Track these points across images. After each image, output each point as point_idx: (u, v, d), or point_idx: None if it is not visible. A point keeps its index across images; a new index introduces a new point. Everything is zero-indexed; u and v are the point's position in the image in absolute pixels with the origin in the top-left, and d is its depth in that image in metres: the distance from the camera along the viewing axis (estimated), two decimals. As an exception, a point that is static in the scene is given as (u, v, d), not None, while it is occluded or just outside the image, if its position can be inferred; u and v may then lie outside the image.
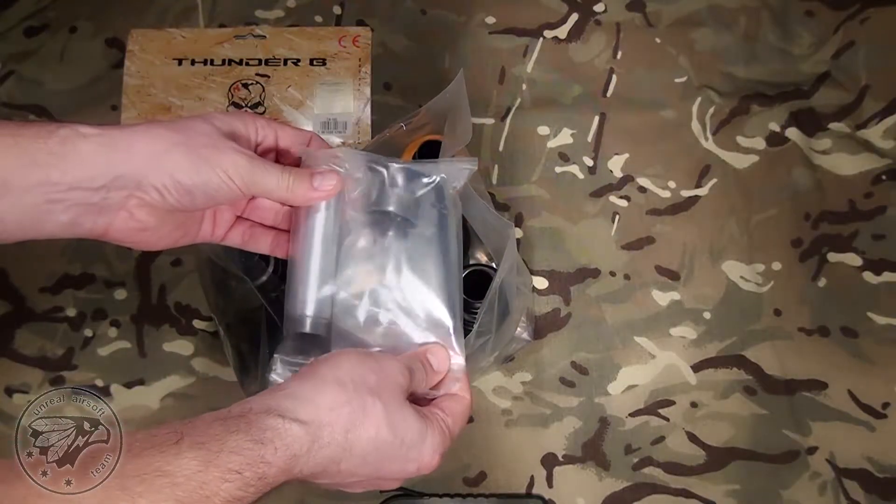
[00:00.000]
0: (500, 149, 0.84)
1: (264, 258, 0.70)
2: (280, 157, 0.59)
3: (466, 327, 0.66)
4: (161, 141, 0.52)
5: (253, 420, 0.46)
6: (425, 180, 0.60)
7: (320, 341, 0.58)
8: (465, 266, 0.72)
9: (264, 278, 0.68)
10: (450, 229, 0.60)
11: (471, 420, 0.74)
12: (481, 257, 0.77)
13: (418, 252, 0.59)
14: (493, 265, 0.71)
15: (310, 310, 0.57)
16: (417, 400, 0.56)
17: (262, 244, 0.61)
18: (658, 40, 0.88)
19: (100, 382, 0.75)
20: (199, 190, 0.52)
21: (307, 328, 0.57)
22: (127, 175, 0.50)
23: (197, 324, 0.77)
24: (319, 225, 0.58)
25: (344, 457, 0.49)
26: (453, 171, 0.61)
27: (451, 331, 0.59)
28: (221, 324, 0.71)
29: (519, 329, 0.74)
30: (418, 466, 0.53)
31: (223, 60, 0.84)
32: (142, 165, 0.50)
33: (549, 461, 0.73)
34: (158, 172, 0.51)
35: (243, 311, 0.69)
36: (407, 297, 0.59)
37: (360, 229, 0.59)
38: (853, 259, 0.80)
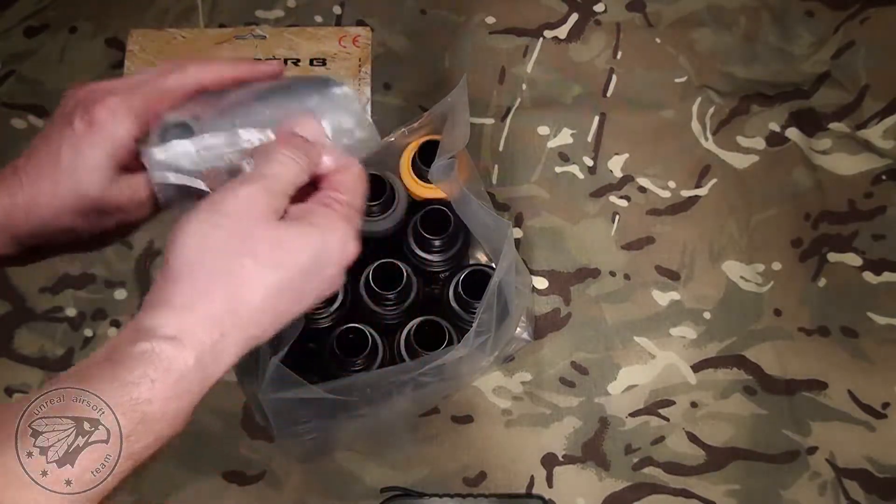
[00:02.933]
0: (500, 149, 0.84)
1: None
2: None
3: (465, 327, 0.66)
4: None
5: (117, 359, 0.41)
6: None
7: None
8: (465, 266, 0.72)
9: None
10: None
11: (471, 420, 0.74)
12: (481, 257, 0.77)
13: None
14: (493, 265, 0.71)
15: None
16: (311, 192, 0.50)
17: None
18: (658, 40, 0.88)
19: (100, 382, 0.75)
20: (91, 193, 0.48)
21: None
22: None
23: (197, 324, 0.77)
24: None
25: (251, 331, 0.44)
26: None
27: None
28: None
29: (519, 329, 0.74)
30: (338, 263, 0.47)
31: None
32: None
33: (549, 461, 0.73)
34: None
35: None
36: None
37: None
38: (853, 259, 0.80)
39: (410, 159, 0.72)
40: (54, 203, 0.48)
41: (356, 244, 0.48)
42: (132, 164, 0.50)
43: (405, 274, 0.68)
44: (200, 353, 0.42)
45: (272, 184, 0.46)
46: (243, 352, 0.45)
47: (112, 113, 0.49)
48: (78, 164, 0.48)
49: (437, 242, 0.71)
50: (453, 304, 0.70)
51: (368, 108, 0.84)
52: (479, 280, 0.68)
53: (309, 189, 0.49)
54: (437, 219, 0.70)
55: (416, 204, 0.73)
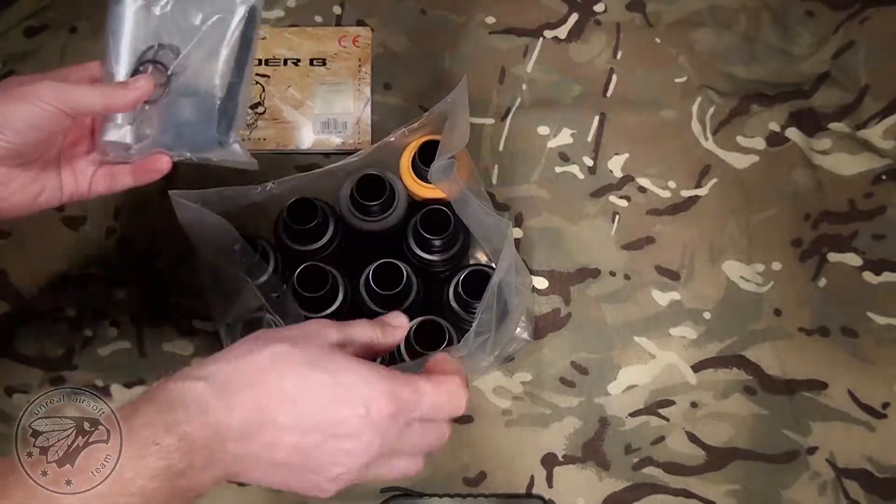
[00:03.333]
0: (500, 149, 0.84)
1: (264, 258, 0.70)
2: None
3: (465, 327, 0.66)
4: None
5: (153, 395, 0.45)
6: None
7: None
8: (465, 266, 0.72)
9: (264, 278, 0.69)
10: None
11: (471, 420, 0.74)
12: (481, 257, 0.77)
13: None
14: (493, 265, 0.71)
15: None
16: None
17: (126, 179, 0.62)
18: (658, 40, 0.88)
19: (100, 382, 0.75)
20: (21, 124, 0.54)
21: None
22: None
23: (197, 324, 0.77)
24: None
25: (267, 403, 0.46)
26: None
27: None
28: (221, 325, 0.71)
29: (519, 329, 0.74)
30: (368, 403, 0.47)
31: (223, 60, 0.84)
32: None
33: (549, 461, 0.73)
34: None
35: (243, 312, 0.69)
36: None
37: None
38: (853, 259, 0.80)
39: (410, 159, 0.72)
40: None
41: (393, 409, 0.48)
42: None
43: (405, 274, 0.68)
44: (222, 391, 0.46)
45: (346, 327, 0.53)
46: (261, 425, 0.46)
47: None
48: None
49: (437, 242, 0.71)
50: (453, 304, 0.70)
51: (368, 108, 0.84)
52: (479, 280, 0.68)
53: None
54: (437, 219, 0.69)
55: (416, 204, 0.73)
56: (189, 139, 0.62)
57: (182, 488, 0.44)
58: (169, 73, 0.62)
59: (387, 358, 0.69)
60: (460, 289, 0.68)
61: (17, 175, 0.57)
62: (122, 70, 0.61)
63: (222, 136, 0.62)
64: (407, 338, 0.68)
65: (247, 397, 0.46)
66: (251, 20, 0.62)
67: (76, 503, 0.41)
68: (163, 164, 0.61)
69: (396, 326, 0.56)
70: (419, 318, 0.68)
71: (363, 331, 0.54)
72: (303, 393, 0.46)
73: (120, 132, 0.61)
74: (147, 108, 0.62)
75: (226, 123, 0.62)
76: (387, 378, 0.48)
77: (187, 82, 0.62)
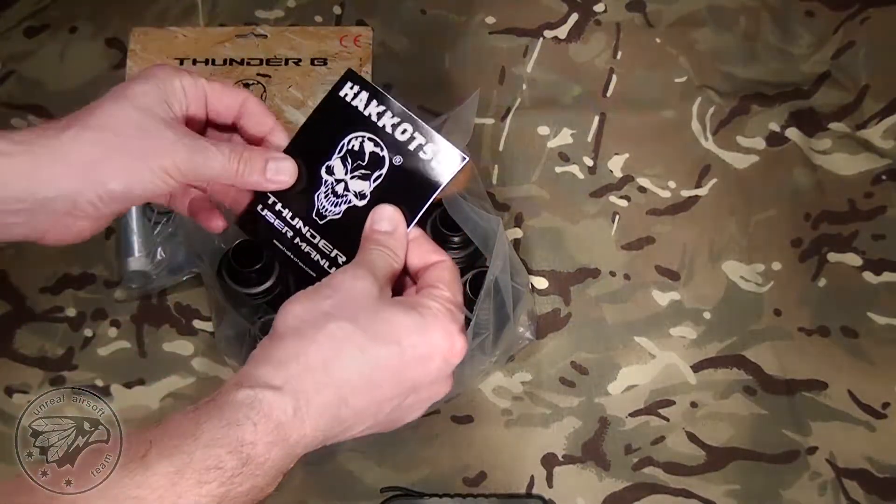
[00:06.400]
0: (500, 149, 0.84)
1: (266, 272, 0.69)
2: (211, 122, 0.55)
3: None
4: (91, 150, 0.48)
5: (223, 402, 0.43)
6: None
7: None
8: (473, 267, 0.72)
9: (263, 288, 0.69)
10: None
11: (471, 420, 0.74)
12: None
13: None
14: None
15: None
16: (405, 286, 0.52)
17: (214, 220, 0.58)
18: (658, 40, 0.88)
19: (100, 382, 0.75)
20: (137, 191, 0.49)
21: None
22: (58, 197, 0.48)
23: (197, 324, 0.77)
24: None
25: (343, 395, 0.45)
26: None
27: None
28: (221, 340, 0.71)
29: (522, 329, 0.74)
30: (444, 357, 0.47)
31: (224, 60, 0.84)
32: (74, 184, 0.48)
33: (549, 461, 0.73)
34: (93, 186, 0.48)
35: (244, 326, 0.69)
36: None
37: None
38: (853, 259, 0.80)
39: None
40: None
41: (463, 340, 0.48)
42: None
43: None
44: (297, 405, 0.44)
45: (371, 267, 0.49)
46: (338, 419, 0.46)
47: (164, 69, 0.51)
48: None
49: (455, 239, 0.71)
50: None
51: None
52: (479, 283, 0.68)
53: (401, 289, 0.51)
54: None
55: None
56: None
57: (234, 501, 0.42)
58: None
59: None
60: (468, 290, 0.69)
61: (106, 219, 0.52)
62: None
63: None
64: None
65: (322, 400, 0.44)
66: None
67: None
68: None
69: (394, 233, 0.52)
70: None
71: (380, 258, 0.50)
72: (374, 371, 0.46)
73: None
74: None
75: None
76: (439, 315, 0.47)
77: None
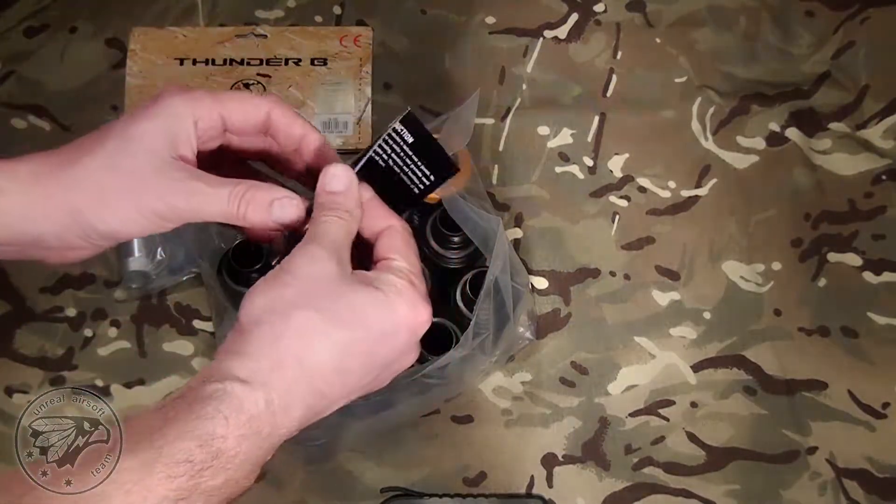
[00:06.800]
0: (500, 149, 0.84)
1: (266, 272, 0.69)
2: (230, 142, 0.53)
3: (464, 326, 0.66)
4: (82, 195, 0.48)
5: (192, 396, 0.43)
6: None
7: None
8: (473, 267, 0.72)
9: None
10: None
11: (471, 420, 0.74)
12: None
13: None
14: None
15: None
16: (366, 248, 0.51)
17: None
18: (658, 40, 0.88)
19: (100, 382, 0.75)
20: (127, 232, 0.49)
21: None
22: (47, 234, 0.48)
23: (197, 324, 0.77)
24: None
25: (316, 385, 0.45)
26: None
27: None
28: (221, 340, 0.71)
29: (522, 329, 0.74)
30: (410, 329, 0.48)
31: (224, 60, 0.84)
32: (63, 224, 0.48)
33: (549, 461, 0.73)
34: (82, 228, 0.48)
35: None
36: None
37: None
38: (853, 259, 0.80)
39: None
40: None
41: (427, 308, 0.48)
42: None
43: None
44: (269, 398, 0.44)
45: (326, 243, 0.47)
46: (313, 409, 0.46)
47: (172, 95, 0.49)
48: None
49: (455, 239, 0.71)
50: (461, 305, 0.70)
51: (369, 108, 0.83)
52: (479, 284, 0.68)
53: (360, 253, 0.50)
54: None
55: (424, 205, 0.73)
56: None
57: (205, 494, 0.42)
58: None
59: None
60: (468, 289, 0.69)
61: (83, 253, 0.52)
62: None
63: None
64: None
65: (298, 391, 0.45)
66: None
67: None
68: None
69: (345, 191, 0.49)
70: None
71: (334, 228, 0.48)
72: (345, 357, 0.46)
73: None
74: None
75: None
76: (401, 289, 0.47)
77: None
